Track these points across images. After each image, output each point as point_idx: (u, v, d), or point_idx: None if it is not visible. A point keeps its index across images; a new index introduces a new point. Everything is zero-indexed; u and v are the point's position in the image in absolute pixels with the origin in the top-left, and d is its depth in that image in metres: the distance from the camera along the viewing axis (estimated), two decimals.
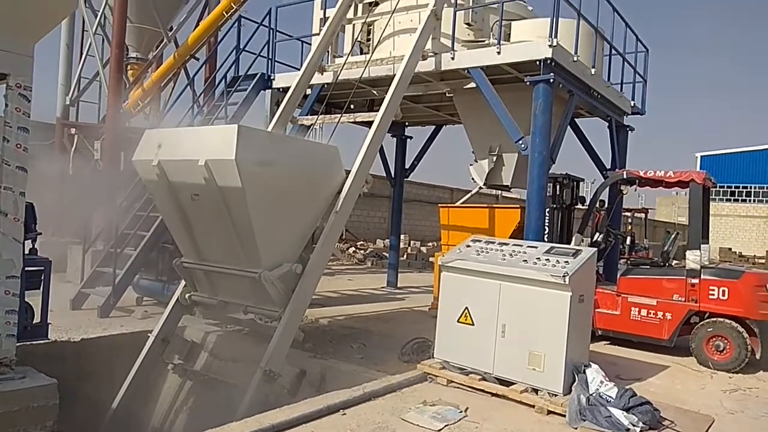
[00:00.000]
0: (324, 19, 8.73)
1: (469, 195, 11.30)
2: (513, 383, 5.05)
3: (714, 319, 6.86)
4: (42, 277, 5.64)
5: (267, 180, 4.99)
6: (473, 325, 5.35)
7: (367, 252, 19.21)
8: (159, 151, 5.25)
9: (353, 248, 19.51)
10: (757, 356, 6.66)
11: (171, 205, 5.48)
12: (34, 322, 5.66)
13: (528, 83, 7.15)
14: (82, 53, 13.50)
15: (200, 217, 5.36)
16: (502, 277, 5.22)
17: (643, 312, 7.28)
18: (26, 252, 5.30)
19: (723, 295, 6.84)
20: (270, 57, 9.61)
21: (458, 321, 5.44)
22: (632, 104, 9.86)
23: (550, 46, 6.93)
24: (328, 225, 5.68)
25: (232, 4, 11.45)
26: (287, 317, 5.38)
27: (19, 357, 4.96)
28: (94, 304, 7.90)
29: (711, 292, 6.90)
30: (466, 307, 5.41)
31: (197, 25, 13.22)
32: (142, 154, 5.45)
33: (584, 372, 4.89)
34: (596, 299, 7.12)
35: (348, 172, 5.96)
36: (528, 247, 5.61)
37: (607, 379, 4.86)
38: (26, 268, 5.07)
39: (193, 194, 5.17)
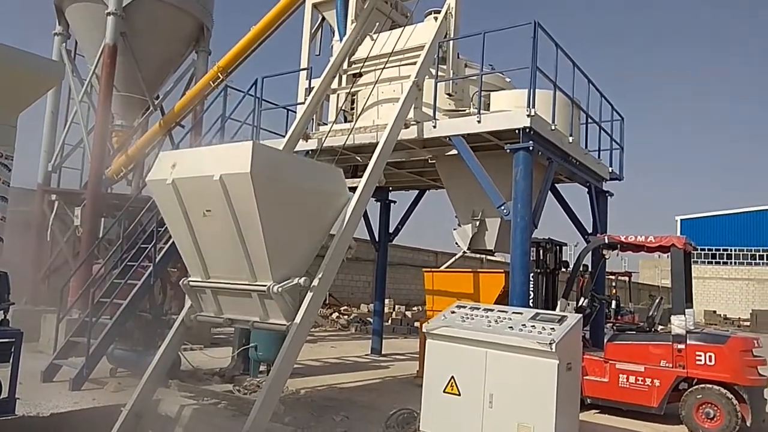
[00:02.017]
0: (309, 89, 8.95)
1: (453, 259, 11.34)
2: None
3: (702, 385, 6.76)
4: (12, 350, 5.42)
5: (278, 195, 5.19)
6: (459, 395, 5.19)
7: (351, 317, 18.91)
8: (173, 170, 5.43)
9: (337, 314, 19.22)
10: (748, 423, 6.54)
11: (182, 224, 5.61)
12: (1, 397, 5.39)
13: (508, 150, 7.30)
14: (66, 120, 13.60)
15: (211, 233, 5.50)
16: (488, 345, 5.12)
17: (632, 379, 7.17)
18: None
19: (710, 360, 6.78)
20: (255, 125, 9.76)
21: (444, 391, 5.28)
22: (610, 170, 10.10)
23: (528, 115, 7.14)
24: (311, 289, 5.60)
25: (218, 74, 11.74)
26: (267, 387, 5.20)
27: None
28: (66, 376, 7.60)
29: (698, 357, 6.84)
30: (452, 377, 5.27)
31: (184, 93, 13.49)
32: (157, 174, 5.61)
33: None
34: (584, 366, 7.01)
35: (333, 236, 5.95)
36: (513, 313, 5.55)
37: None
38: None
39: (205, 210, 5.34)
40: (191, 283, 5.90)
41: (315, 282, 5.58)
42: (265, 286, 5.28)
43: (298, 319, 5.38)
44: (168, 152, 5.96)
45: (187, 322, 6.16)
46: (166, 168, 5.51)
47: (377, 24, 9.18)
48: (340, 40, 9.14)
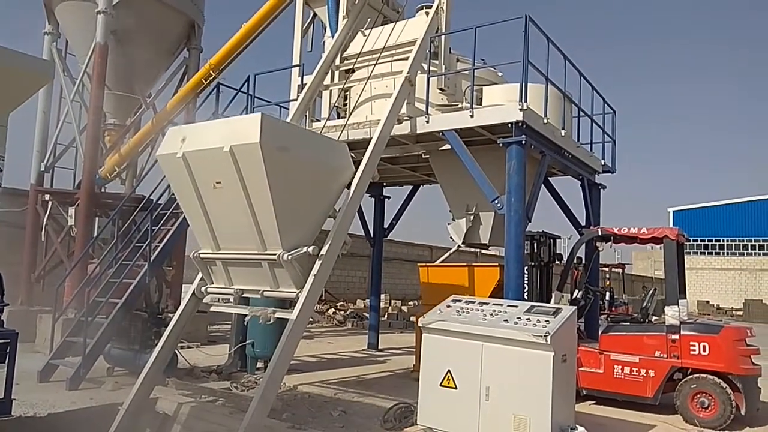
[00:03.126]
0: (301, 86, 8.94)
1: (448, 254, 11.33)
2: None
3: (697, 375, 6.83)
4: (7, 350, 5.41)
5: (286, 165, 5.24)
6: (456, 388, 5.24)
7: (347, 313, 18.95)
8: (183, 144, 5.49)
9: (333, 309, 19.24)
10: (742, 412, 6.60)
11: (192, 197, 5.67)
12: None
13: (501, 144, 7.33)
14: (58, 120, 13.51)
15: (221, 205, 5.55)
16: (484, 338, 5.17)
17: (626, 370, 7.23)
18: None
19: (704, 350, 6.85)
20: None
21: (441, 384, 5.33)
22: (603, 163, 10.15)
23: (520, 109, 7.17)
24: (306, 288, 5.62)
25: (210, 71, 11.69)
26: (265, 383, 5.22)
27: None
28: (63, 376, 7.58)
29: (692, 347, 6.91)
30: (449, 370, 5.31)
31: (176, 91, 13.42)
32: (167, 148, 5.65)
33: None
34: (579, 358, 7.07)
35: (328, 232, 5.98)
36: (508, 306, 5.59)
37: None
38: None
39: (215, 183, 5.39)
40: (202, 255, 5.98)
41: (323, 251, 5.67)
42: (275, 254, 5.37)
43: (307, 287, 5.48)
44: (177, 127, 6.03)
45: (198, 295, 6.25)
46: (175, 142, 5.59)
47: (369, 20, 9.18)
48: (332, 36, 9.12)
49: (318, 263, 5.56)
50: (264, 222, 5.35)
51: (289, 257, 5.34)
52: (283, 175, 5.21)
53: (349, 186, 6.10)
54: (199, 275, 6.25)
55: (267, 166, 5.02)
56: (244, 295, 5.99)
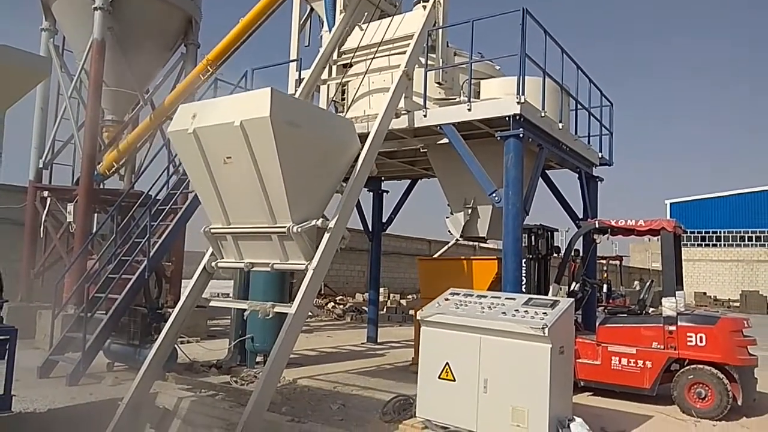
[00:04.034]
0: (299, 81, 8.94)
1: (446, 247, 11.38)
2: None
3: (694, 366, 6.87)
4: (7, 347, 5.44)
5: (295, 139, 5.37)
6: (454, 381, 5.27)
7: (346, 307, 18.99)
8: (194, 120, 5.59)
9: (332, 303, 19.29)
10: (739, 402, 6.64)
11: (203, 173, 5.78)
12: None
13: (499, 138, 7.34)
14: (56, 116, 13.49)
15: (231, 180, 5.68)
16: (482, 331, 5.19)
17: (624, 361, 7.26)
18: None
19: (701, 341, 6.88)
20: None
21: (439, 377, 5.35)
22: (600, 156, 10.16)
23: (518, 102, 7.17)
24: (305, 281, 5.66)
25: (208, 67, 11.66)
26: (265, 377, 5.25)
27: None
28: (63, 372, 7.61)
29: (689, 338, 6.94)
30: (447, 363, 5.33)
31: (174, 87, 13.40)
32: (177, 125, 5.76)
33: (568, 427, 4.82)
34: (576, 349, 7.10)
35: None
36: (506, 299, 5.61)
37: None
38: None
39: (225, 158, 5.52)
40: (212, 230, 6.09)
41: (331, 224, 5.82)
42: (284, 227, 5.50)
43: (316, 259, 5.61)
44: (188, 104, 6.13)
45: (209, 269, 6.37)
46: (186, 119, 5.68)
47: (366, 14, 9.17)
48: (329, 30, 9.12)
49: (326, 236, 5.73)
50: (274, 195, 5.49)
51: (299, 229, 5.49)
52: (292, 149, 5.33)
53: (355, 162, 6.26)
54: (210, 250, 6.37)
55: (277, 140, 5.14)
56: (254, 269, 6.15)
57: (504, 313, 5.24)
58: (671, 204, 49.01)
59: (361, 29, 8.85)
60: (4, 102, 4.85)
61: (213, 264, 6.33)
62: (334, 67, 9.04)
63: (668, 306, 7.16)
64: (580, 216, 9.67)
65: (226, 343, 9.72)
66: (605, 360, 7.38)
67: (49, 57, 12.75)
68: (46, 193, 12.73)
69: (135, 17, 12.31)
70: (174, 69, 14.20)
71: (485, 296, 5.74)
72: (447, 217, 9.25)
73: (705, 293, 38.41)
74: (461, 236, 9.14)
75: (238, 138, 5.28)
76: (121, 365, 8.38)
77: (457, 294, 5.86)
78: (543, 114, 7.76)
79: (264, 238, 5.78)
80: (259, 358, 8.88)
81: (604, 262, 22.41)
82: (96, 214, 11.77)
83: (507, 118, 7.26)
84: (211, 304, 6.87)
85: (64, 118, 13.14)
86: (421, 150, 9.06)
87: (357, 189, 6.56)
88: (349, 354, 10.89)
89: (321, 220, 5.75)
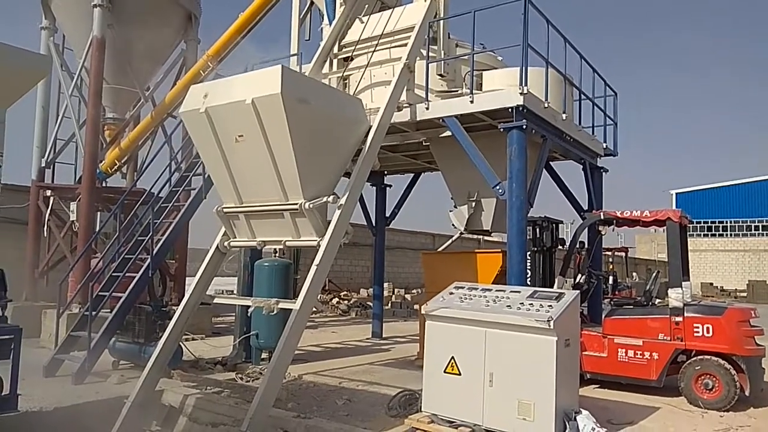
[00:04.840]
0: None
1: (450, 241, 11.33)
2: None
3: (701, 356, 6.82)
4: (12, 346, 5.43)
5: (306, 116, 5.42)
6: (460, 375, 5.24)
7: (351, 302, 18.98)
8: (205, 100, 5.63)
9: (337, 299, 19.28)
10: (746, 393, 6.60)
11: (215, 152, 5.82)
12: (3, 393, 5.41)
13: (502, 129, 7.28)
14: (58, 115, 13.48)
15: (243, 158, 5.72)
16: (487, 324, 5.16)
17: (630, 353, 7.22)
18: None
19: (708, 332, 6.83)
20: None
21: (445, 371, 5.33)
22: (604, 146, 10.08)
23: (521, 93, 7.10)
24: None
25: (208, 62, 11.63)
26: (270, 373, 5.23)
27: None
28: (69, 370, 7.62)
29: (696, 329, 6.89)
30: (452, 357, 5.31)
31: (174, 83, 13.37)
32: (189, 105, 5.80)
33: (575, 419, 4.79)
34: (583, 342, 7.06)
35: (329, 223, 5.99)
36: (511, 291, 5.58)
37: (598, 425, 4.77)
38: None
39: (237, 136, 5.56)
40: (225, 209, 6.13)
41: (342, 201, 5.86)
42: (296, 204, 5.56)
43: (328, 235, 5.66)
44: (199, 84, 6.18)
45: (222, 249, 6.42)
46: (198, 99, 5.71)
47: (366, 6, 9.09)
48: (330, 23, 9.05)
49: (337, 212, 5.79)
50: (286, 173, 5.53)
51: (311, 206, 5.54)
52: (303, 126, 5.36)
53: (364, 141, 6.31)
54: (222, 230, 6.40)
55: (288, 117, 5.17)
56: (267, 247, 6.22)
57: (509, 306, 5.20)
58: (677, 194, 48.78)
59: (362, 22, 8.78)
60: (5, 101, 4.83)
61: (226, 243, 6.36)
62: (335, 61, 8.97)
63: (674, 297, 7.11)
64: (585, 207, 9.60)
65: (230, 340, 9.73)
66: (611, 352, 7.35)
67: (49, 55, 12.72)
68: (48, 192, 12.75)
69: (135, 14, 12.27)
70: (174, 65, 14.18)
71: (490, 289, 5.70)
72: (451, 211, 9.20)
73: (711, 284, 38.32)
74: (465, 230, 9.09)
75: (249, 116, 5.31)
76: (126, 363, 8.39)
77: (462, 288, 5.83)
78: (546, 105, 7.69)
79: (276, 215, 5.82)
80: (264, 355, 8.88)
81: (609, 253, 22.34)
82: (99, 213, 11.76)
83: (510, 110, 7.20)
84: (216, 301, 6.86)
85: (66, 116, 13.14)
86: (424, 143, 9.01)
87: (360, 183, 6.52)
88: (354, 349, 10.89)
89: (332, 196, 5.80)
